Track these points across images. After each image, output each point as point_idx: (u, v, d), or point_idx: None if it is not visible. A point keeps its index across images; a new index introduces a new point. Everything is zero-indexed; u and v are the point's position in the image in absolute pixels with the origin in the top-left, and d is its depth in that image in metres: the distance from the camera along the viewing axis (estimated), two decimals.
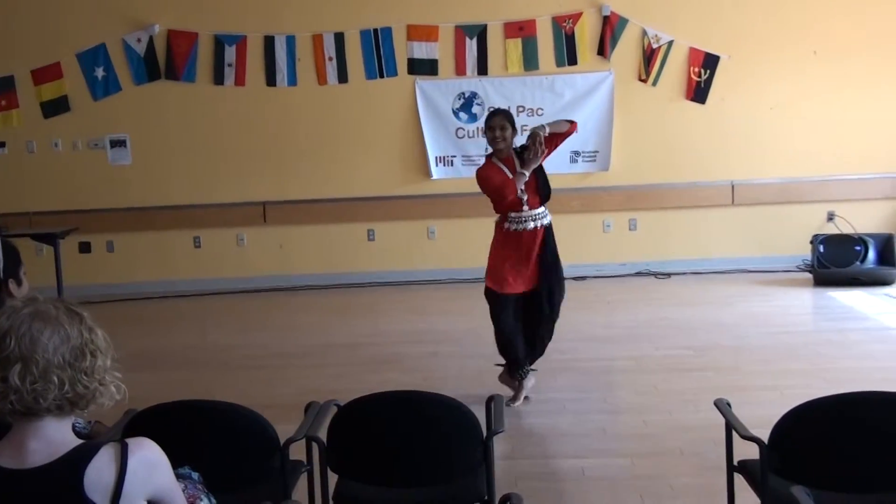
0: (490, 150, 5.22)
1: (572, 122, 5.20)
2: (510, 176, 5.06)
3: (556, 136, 5.10)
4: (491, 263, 5.23)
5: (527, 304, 5.22)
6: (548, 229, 5.17)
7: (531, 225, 5.11)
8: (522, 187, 5.03)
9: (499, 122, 5.10)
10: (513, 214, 5.12)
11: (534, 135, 4.99)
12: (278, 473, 2.97)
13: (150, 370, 6.06)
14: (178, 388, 5.17)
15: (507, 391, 5.17)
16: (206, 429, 2.96)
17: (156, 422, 2.90)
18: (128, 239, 9.14)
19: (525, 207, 5.08)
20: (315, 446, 3.17)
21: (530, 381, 5.28)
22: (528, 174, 5.03)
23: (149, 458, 1.88)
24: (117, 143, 9.05)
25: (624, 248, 8.94)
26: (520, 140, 5.33)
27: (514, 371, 5.25)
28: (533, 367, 5.32)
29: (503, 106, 8.80)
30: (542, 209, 5.16)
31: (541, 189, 5.13)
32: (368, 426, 3.03)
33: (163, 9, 8.87)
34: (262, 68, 8.91)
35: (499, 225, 5.21)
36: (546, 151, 5.05)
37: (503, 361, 5.31)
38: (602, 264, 8.86)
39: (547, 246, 5.15)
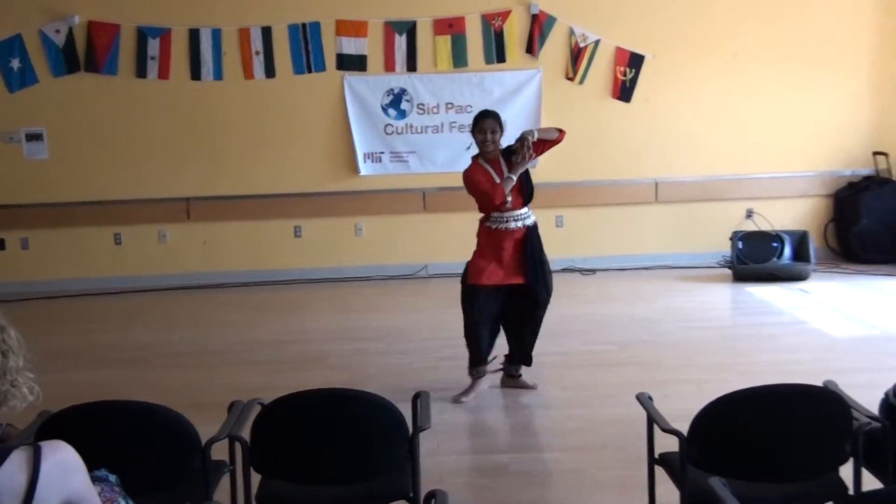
0: (471, 148, 5.25)
1: (561, 131, 5.23)
2: (497, 179, 5.09)
3: (544, 143, 5.15)
4: (472, 259, 5.24)
5: (508, 300, 5.24)
6: (531, 229, 5.21)
7: (513, 225, 5.15)
8: (509, 191, 5.06)
9: (490, 125, 5.11)
10: (495, 214, 5.16)
11: (523, 139, 5.03)
12: (199, 474, 2.92)
13: (67, 370, 5.90)
14: (96, 388, 5.03)
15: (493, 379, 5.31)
16: (123, 430, 2.91)
17: (71, 424, 2.83)
18: (44, 236, 8.86)
19: (508, 207, 5.12)
20: (238, 446, 3.14)
21: (485, 384, 5.29)
22: (515, 178, 5.07)
23: (63, 461, 1.83)
24: (33, 137, 8.76)
25: (550, 245, 8.74)
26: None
27: (473, 366, 5.26)
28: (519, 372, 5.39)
29: (432, 103, 8.86)
30: (525, 210, 5.21)
31: (524, 190, 5.18)
32: (292, 424, 3.01)
33: None
34: (187, 62, 8.72)
35: (482, 223, 5.25)
36: (533, 156, 5.09)
37: (500, 363, 5.38)
38: None
39: (531, 244, 5.18)
